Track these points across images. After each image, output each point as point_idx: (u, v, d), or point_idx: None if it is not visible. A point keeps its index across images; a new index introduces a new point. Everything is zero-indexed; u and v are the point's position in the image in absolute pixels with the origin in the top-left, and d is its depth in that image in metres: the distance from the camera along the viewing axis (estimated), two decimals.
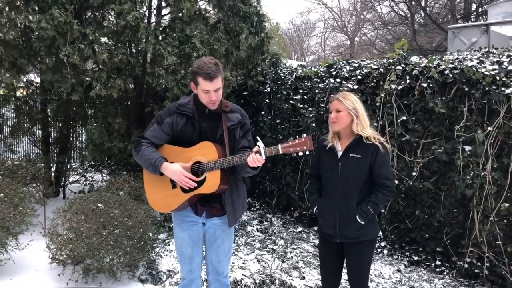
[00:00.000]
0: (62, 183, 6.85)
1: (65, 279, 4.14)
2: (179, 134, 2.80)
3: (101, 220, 4.14)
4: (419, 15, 22.23)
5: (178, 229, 2.96)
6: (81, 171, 7.43)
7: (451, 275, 4.85)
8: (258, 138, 2.62)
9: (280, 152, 2.57)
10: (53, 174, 6.68)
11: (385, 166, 2.96)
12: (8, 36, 5.34)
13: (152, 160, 2.70)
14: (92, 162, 7.46)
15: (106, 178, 7.12)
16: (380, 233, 5.38)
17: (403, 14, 22.37)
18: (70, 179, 7.14)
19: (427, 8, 20.92)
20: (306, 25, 36.17)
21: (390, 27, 23.79)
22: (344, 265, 3.14)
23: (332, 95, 3.15)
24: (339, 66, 6.00)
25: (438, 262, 4.99)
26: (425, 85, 4.94)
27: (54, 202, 6.08)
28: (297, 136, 2.59)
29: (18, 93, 6.02)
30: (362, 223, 2.90)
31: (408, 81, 5.09)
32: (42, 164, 6.16)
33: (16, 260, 4.36)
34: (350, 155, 2.95)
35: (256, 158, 2.52)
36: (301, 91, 6.35)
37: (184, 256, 2.97)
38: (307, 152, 2.57)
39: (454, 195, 4.82)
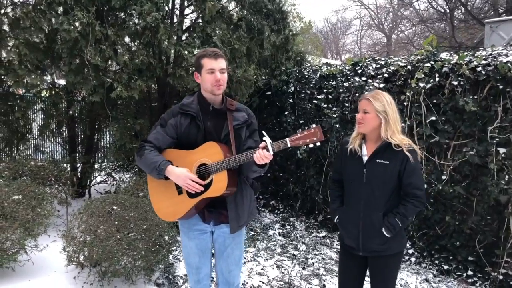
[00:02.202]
0: (88, 184, 6.91)
1: (81, 282, 4.11)
2: (183, 135, 2.67)
3: (116, 223, 4.09)
4: (459, 11, 21.39)
5: (185, 238, 2.84)
6: (109, 171, 7.48)
7: (484, 287, 4.53)
8: (264, 132, 2.47)
9: (289, 145, 2.39)
10: (79, 174, 6.75)
11: (416, 174, 2.68)
12: (33, 39, 5.42)
13: (156, 164, 2.56)
14: (118, 162, 7.51)
15: (133, 179, 7.14)
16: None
17: (442, 10, 21.60)
18: (98, 179, 7.20)
19: (468, 3, 20.08)
20: (341, 23, 35.76)
21: (428, 24, 23.04)
22: (367, 279, 2.92)
23: (364, 92, 2.88)
24: (365, 64, 5.75)
25: (470, 272, 4.67)
26: (455, 83, 4.63)
27: (80, 203, 6.12)
28: (306, 127, 2.41)
29: (43, 94, 6.12)
30: (388, 236, 2.66)
31: (437, 79, 4.79)
32: (65, 165, 6.21)
33: (35, 261, 4.38)
34: (377, 160, 2.70)
35: (263, 154, 2.37)
36: (325, 90, 6.13)
37: (191, 266, 2.85)
38: (318, 144, 2.38)
39: (487, 201, 4.49)
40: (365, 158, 2.77)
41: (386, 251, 2.73)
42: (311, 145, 2.39)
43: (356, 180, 2.78)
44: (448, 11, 20.37)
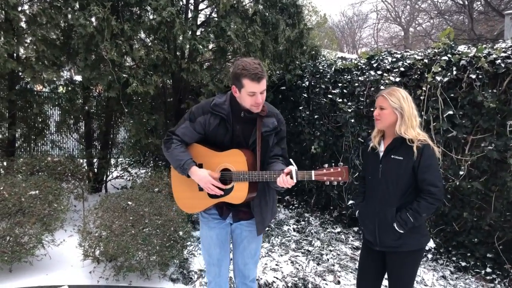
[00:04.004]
0: (104, 179, 6.97)
1: (96, 276, 4.15)
2: (211, 134, 2.68)
3: (131, 218, 4.11)
4: (479, 2, 20.97)
5: (206, 227, 2.85)
6: (126, 166, 7.54)
7: (503, 284, 4.44)
8: (291, 160, 2.50)
9: (313, 178, 2.44)
10: (96, 170, 6.82)
11: (430, 170, 2.67)
12: (50, 35, 5.47)
13: (181, 162, 2.60)
14: (135, 157, 7.57)
15: (148, 174, 7.18)
16: (431, 243, 5.00)
17: (461, 2, 21.21)
18: (114, 174, 7.27)
19: None
20: (358, 17, 35.43)
21: (446, 16, 22.66)
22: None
23: (379, 87, 2.93)
24: (381, 57, 5.64)
25: (488, 269, 4.57)
26: (473, 76, 4.52)
27: (97, 198, 6.18)
28: (333, 165, 2.47)
29: (59, 90, 6.20)
30: (401, 231, 2.68)
31: (454, 72, 4.68)
32: (82, 160, 6.28)
33: (52, 256, 4.45)
34: (392, 156, 2.73)
35: (286, 180, 2.40)
36: (340, 84, 6.05)
37: (212, 257, 2.85)
38: (341, 183, 2.46)
39: (506, 197, 4.39)
40: (381, 154, 2.82)
41: (402, 247, 2.73)
42: (334, 183, 2.46)
43: (373, 176, 2.84)
44: (467, 3, 19.98)
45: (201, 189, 2.68)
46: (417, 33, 28.28)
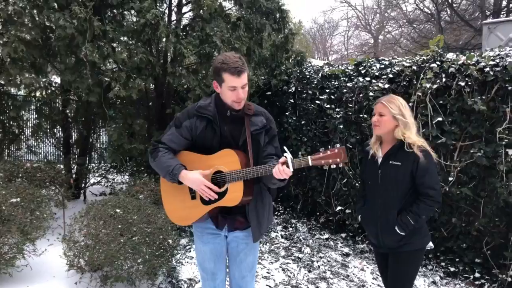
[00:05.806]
0: (83, 185, 6.72)
1: (82, 287, 3.96)
2: (198, 138, 2.57)
3: (119, 226, 3.95)
4: (445, 12, 21.64)
5: (199, 242, 2.74)
6: (103, 172, 7.30)
7: None
8: (285, 148, 2.40)
9: (310, 164, 2.33)
10: (74, 176, 6.57)
11: (428, 174, 2.76)
12: (30, 36, 5.23)
13: (170, 168, 2.47)
14: (112, 163, 7.33)
15: (127, 180, 6.97)
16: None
17: (429, 12, 21.82)
18: (92, 181, 7.02)
19: (454, 5, 20.27)
20: (329, 24, 35.96)
21: (415, 25, 23.26)
22: None
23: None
24: (369, 64, 5.67)
25: (477, 274, 4.63)
26: (463, 83, 4.59)
27: (75, 204, 5.95)
28: (329, 147, 2.39)
29: (37, 94, 5.92)
30: (403, 234, 2.77)
31: (444, 79, 4.75)
32: (61, 166, 6.02)
33: (33, 266, 4.22)
34: (390, 162, 2.83)
35: (282, 170, 2.28)
36: (327, 90, 6.05)
37: (207, 271, 2.76)
38: (341, 165, 2.36)
39: (495, 203, 4.46)
40: (380, 161, 2.90)
41: (404, 247, 2.82)
42: (333, 166, 2.35)
43: (373, 181, 2.93)
44: (435, 12, 20.58)
45: (193, 197, 2.57)
46: (387, 40, 28.92)
